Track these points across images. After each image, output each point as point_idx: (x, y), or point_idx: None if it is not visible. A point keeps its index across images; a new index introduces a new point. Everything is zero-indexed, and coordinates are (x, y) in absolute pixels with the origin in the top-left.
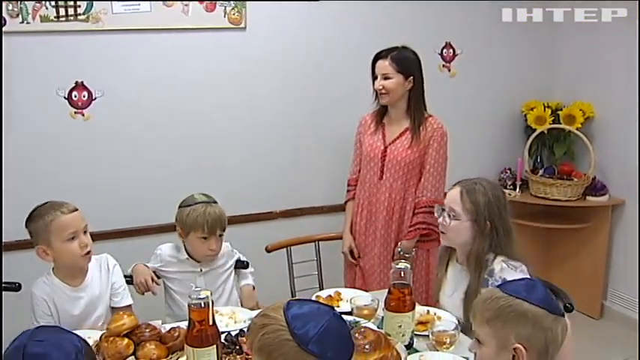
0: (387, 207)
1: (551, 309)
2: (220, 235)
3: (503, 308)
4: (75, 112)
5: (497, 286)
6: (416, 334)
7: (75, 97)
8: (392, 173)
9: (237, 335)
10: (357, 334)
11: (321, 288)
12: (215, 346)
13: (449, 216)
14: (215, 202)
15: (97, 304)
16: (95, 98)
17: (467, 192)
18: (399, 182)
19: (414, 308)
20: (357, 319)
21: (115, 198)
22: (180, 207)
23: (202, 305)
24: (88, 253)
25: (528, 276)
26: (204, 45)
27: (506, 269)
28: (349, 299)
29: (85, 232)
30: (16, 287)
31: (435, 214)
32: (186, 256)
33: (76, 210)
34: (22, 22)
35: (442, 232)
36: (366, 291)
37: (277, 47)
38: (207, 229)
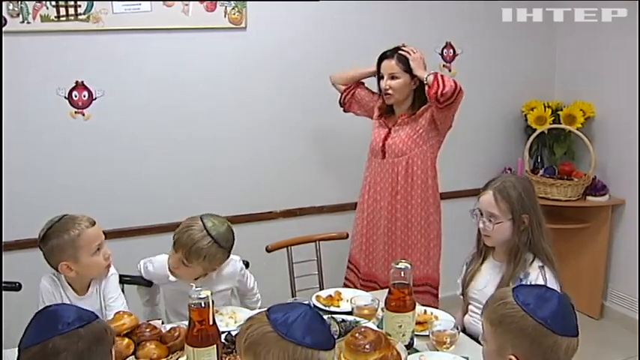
0: (391, 183)
1: (556, 328)
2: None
3: (506, 316)
4: (75, 112)
5: (513, 289)
6: (415, 335)
7: (75, 96)
8: (395, 152)
9: (237, 335)
10: (357, 334)
11: (322, 288)
12: (215, 345)
13: (489, 220)
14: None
15: None
16: (95, 98)
17: (499, 192)
18: (403, 162)
19: (414, 308)
20: (358, 319)
21: (115, 198)
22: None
23: (202, 305)
24: (109, 263)
25: (557, 289)
26: (205, 45)
27: (540, 280)
28: (349, 299)
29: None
30: (16, 287)
31: (473, 220)
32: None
33: (95, 222)
34: (23, 21)
35: (486, 236)
36: (370, 285)
37: (278, 47)
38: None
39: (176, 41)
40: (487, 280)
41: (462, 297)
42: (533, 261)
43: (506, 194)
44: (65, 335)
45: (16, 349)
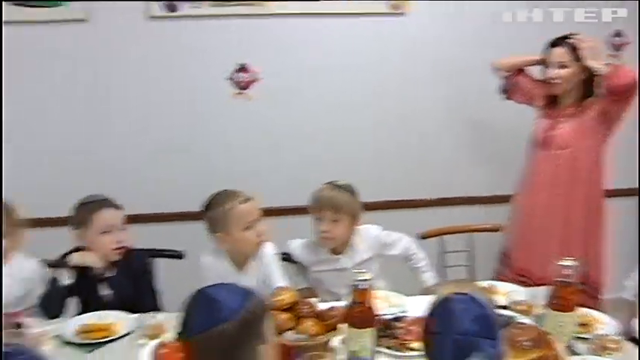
0: (552, 176)
1: None
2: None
3: None
4: (237, 94)
5: None
6: (576, 336)
7: (238, 78)
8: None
9: (392, 320)
10: (516, 329)
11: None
12: (372, 328)
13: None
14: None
15: None
16: (256, 81)
17: None
18: (566, 156)
19: (577, 309)
20: (513, 314)
21: (275, 179)
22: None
23: (364, 287)
24: (262, 241)
25: None
26: (365, 31)
27: None
28: (504, 293)
29: (259, 220)
30: (178, 255)
31: None
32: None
33: (251, 199)
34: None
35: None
36: (522, 280)
37: (437, 33)
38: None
39: (337, 26)
40: None
41: (635, 299)
42: None
43: None
44: (228, 324)
45: (176, 325)
